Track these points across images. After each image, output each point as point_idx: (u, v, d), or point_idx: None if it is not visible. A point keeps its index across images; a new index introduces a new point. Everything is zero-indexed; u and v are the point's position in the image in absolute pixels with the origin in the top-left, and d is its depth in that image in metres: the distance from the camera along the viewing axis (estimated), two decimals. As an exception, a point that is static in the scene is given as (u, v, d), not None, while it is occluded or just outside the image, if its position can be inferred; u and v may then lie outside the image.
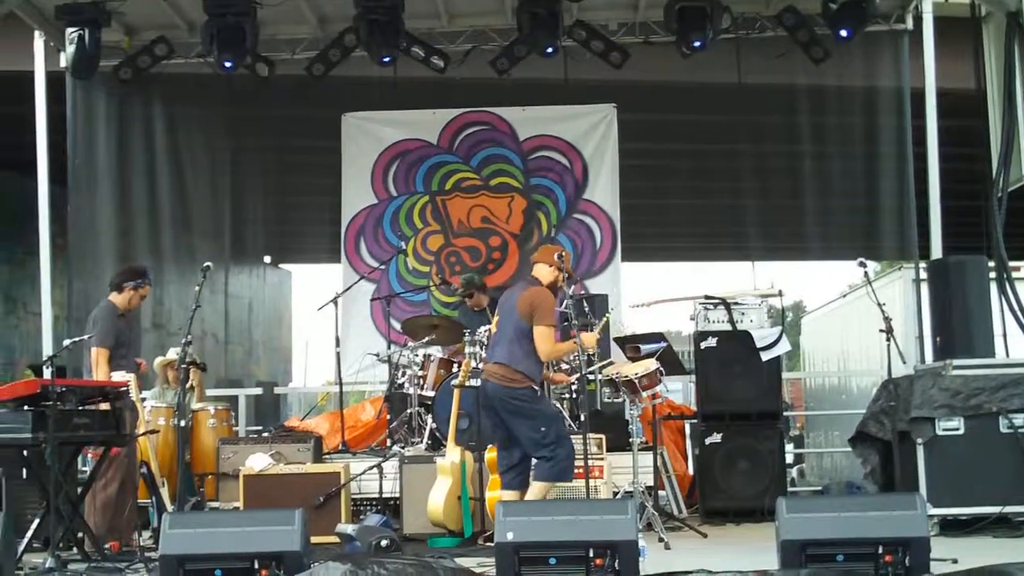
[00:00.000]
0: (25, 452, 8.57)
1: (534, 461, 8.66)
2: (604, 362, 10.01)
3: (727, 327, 10.78)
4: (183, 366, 9.19)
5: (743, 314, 10.80)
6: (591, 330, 10.06)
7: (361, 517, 10.05)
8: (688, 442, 11.90)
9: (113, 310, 9.80)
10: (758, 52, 13.00)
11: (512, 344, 8.72)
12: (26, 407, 8.28)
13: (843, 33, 12.14)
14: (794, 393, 21.08)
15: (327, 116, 14.60)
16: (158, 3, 12.79)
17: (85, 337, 9.41)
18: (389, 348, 12.37)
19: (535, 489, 8.56)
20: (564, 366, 10.32)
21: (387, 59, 12.63)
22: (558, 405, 10.54)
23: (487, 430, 9.46)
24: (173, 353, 11.25)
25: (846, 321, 17.00)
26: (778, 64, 13.03)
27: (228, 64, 12.44)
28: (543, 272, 8.97)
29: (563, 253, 8.98)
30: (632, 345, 10.15)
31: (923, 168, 12.16)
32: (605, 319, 10.40)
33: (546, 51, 12.36)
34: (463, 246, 14.43)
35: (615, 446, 10.13)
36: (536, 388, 8.76)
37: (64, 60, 12.40)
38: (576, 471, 8.76)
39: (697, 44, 12.24)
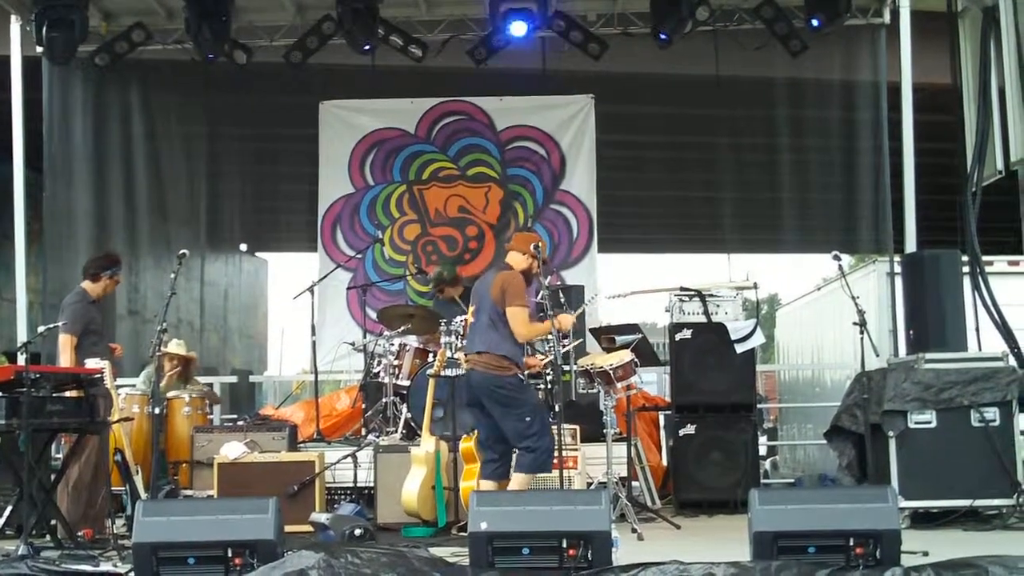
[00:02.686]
0: (-2, 439, 8.56)
1: (516, 452, 8.68)
2: (576, 341, 10.08)
3: (702, 319, 10.81)
4: (157, 353, 9.16)
5: (718, 306, 10.83)
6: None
7: (335, 506, 10.06)
8: (662, 433, 11.93)
9: (84, 297, 9.77)
10: (736, 45, 13.05)
11: (491, 331, 8.71)
12: (0, 394, 8.26)
13: (814, 22, 12.22)
14: (768, 385, 21.14)
15: (305, 104, 14.58)
16: (136, -11, 12.78)
17: (59, 324, 9.38)
18: (365, 337, 12.36)
19: (517, 480, 8.56)
20: (539, 354, 10.31)
21: (367, 47, 12.64)
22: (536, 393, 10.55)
23: (463, 419, 9.48)
24: (174, 345, 11.29)
25: (820, 314, 17.04)
26: (756, 57, 13.09)
27: (212, 56, 12.52)
28: (516, 259, 8.98)
29: (540, 243, 9.00)
30: (607, 336, 10.16)
31: (898, 162, 12.21)
32: (582, 308, 10.42)
33: (510, 27, 12.26)
34: (440, 235, 14.43)
35: (589, 437, 10.15)
36: (522, 376, 8.75)
37: (40, 45, 12.32)
38: (550, 461, 8.79)
39: (663, 37, 12.31)
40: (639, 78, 14.83)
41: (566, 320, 9.12)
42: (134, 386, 11.19)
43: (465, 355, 9.10)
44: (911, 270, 10.60)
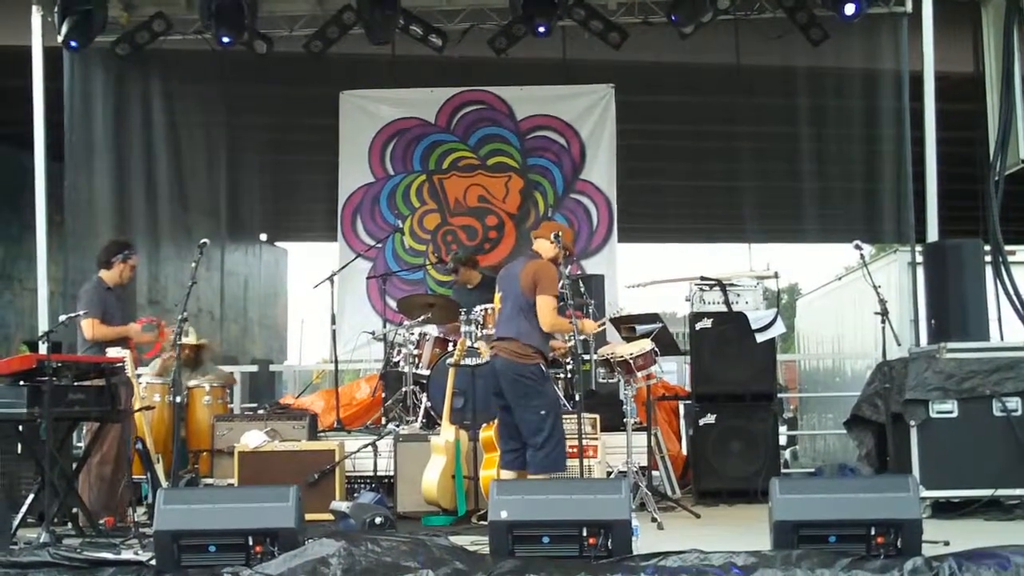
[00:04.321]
0: (20, 427, 8.60)
1: (529, 451, 8.67)
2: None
3: (722, 308, 10.79)
4: (179, 343, 9.18)
5: (738, 295, 10.81)
6: (585, 311, 10.08)
7: (355, 495, 10.06)
8: (682, 423, 11.91)
9: (100, 284, 9.79)
10: (757, 33, 12.98)
11: (519, 318, 8.75)
12: (21, 382, 8.31)
13: (848, 10, 12.06)
14: (788, 375, 21.10)
15: (325, 94, 14.59)
16: (156, -22, 12.80)
17: (80, 313, 9.39)
18: (385, 326, 12.39)
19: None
20: (559, 338, 10.29)
21: (383, 41, 12.65)
22: (556, 388, 10.54)
23: (483, 408, 9.48)
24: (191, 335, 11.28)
25: (841, 303, 17.01)
26: (777, 45, 13.02)
27: (226, 40, 12.42)
28: (544, 247, 9.00)
29: (560, 231, 9.00)
30: (627, 325, 10.15)
31: (920, 151, 12.15)
32: (604, 321, 10.39)
33: (538, 30, 12.32)
34: (459, 225, 14.43)
35: (609, 426, 10.13)
36: (544, 367, 8.77)
37: (62, 31, 12.31)
38: (570, 450, 8.78)
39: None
40: (659, 67, 14.80)
41: (589, 326, 9.15)
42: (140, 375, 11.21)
43: (491, 341, 9.10)
44: (933, 259, 10.56)
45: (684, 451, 11.58)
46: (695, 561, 6.35)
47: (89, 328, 9.52)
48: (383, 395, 11.74)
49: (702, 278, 10.91)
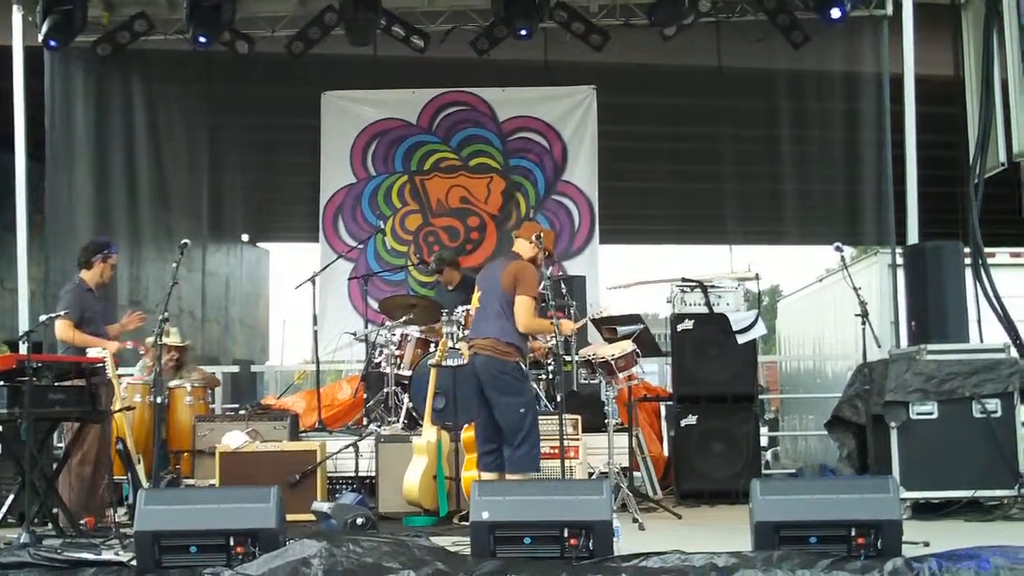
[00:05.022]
0: (0, 428, 8.56)
1: (506, 450, 8.69)
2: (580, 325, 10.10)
3: (704, 310, 10.80)
4: (159, 343, 9.16)
5: (720, 297, 10.82)
6: (567, 312, 10.09)
7: (337, 495, 10.06)
8: (663, 424, 11.93)
9: (80, 285, 9.76)
10: (738, 36, 13.02)
11: (500, 318, 8.77)
12: (1, 382, 8.26)
13: (834, 14, 12.10)
14: (769, 376, 21.14)
15: (307, 94, 14.58)
16: (138, -22, 12.76)
17: (60, 313, 9.36)
18: (366, 327, 12.39)
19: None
20: (539, 339, 10.31)
21: (364, 44, 12.66)
22: (535, 387, 10.54)
23: (465, 409, 9.49)
24: (171, 336, 11.22)
25: (822, 305, 17.04)
26: (758, 48, 13.05)
27: (203, 40, 12.41)
28: (524, 248, 9.02)
29: (542, 233, 9.01)
30: (608, 326, 10.16)
31: (901, 154, 12.18)
32: (584, 321, 10.42)
33: (519, 33, 12.37)
34: (441, 226, 14.43)
35: (591, 427, 10.14)
36: (523, 366, 8.81)
37: (42, 30, 12.26)
38: (552, 451, 8.79)
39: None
40: (641, 69, 14.81)
41: (567, 326, 9.14)
42: (132, 375, 11.19)
43: (469, 340, 9.11)
44: (913, 261, 10.58)
45: (665, 452, 11.59)
46: (676, 562, 6.36)
47: (62, 330, 9.47)
48: (365, 396, 11.74)
49: (683, 279, 10.92)
